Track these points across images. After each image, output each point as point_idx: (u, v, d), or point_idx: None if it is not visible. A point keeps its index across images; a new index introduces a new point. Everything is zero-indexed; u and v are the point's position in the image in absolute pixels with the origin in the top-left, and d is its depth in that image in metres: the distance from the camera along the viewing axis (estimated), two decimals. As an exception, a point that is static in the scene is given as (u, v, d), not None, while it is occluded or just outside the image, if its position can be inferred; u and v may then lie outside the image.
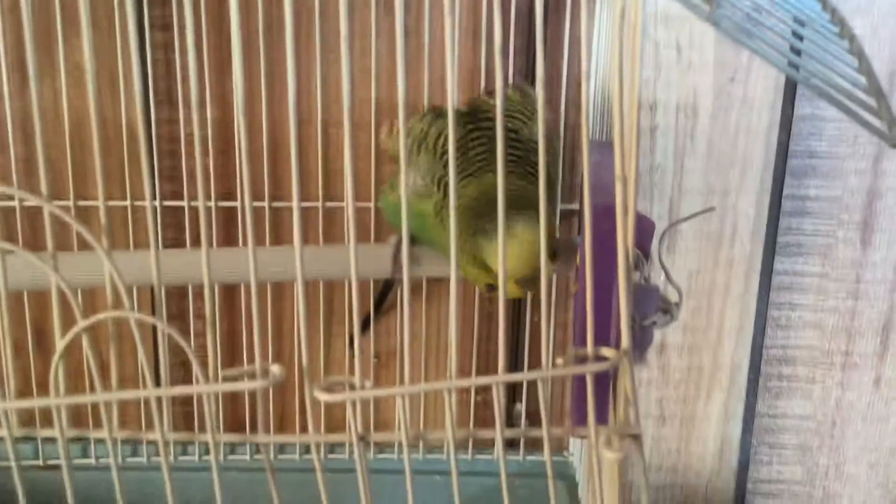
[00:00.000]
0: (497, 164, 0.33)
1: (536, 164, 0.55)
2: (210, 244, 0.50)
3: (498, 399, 0.38)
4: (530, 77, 0.72)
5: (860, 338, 0.77)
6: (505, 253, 0.35)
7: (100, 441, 0.77)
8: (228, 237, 0.75)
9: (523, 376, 0.37)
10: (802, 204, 0.74)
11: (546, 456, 0.38)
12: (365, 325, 0.75)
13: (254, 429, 0.78)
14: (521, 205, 0.49)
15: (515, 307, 0.78)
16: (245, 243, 0.72)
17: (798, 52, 0.33)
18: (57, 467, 0.37)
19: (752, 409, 0.79)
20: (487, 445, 0.80)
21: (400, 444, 0.80)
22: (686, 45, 0.70)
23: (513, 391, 0.80)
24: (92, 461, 0.77)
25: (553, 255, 0.54)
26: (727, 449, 0.81)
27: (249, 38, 0.70)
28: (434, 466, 0.79)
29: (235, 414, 0.79)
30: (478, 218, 0.52)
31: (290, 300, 0.76)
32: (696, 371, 0.78)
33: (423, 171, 0.58)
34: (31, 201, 0.44)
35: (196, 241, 0.72)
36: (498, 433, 0.38)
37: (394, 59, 0.71)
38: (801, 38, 0.35)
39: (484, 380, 0.38)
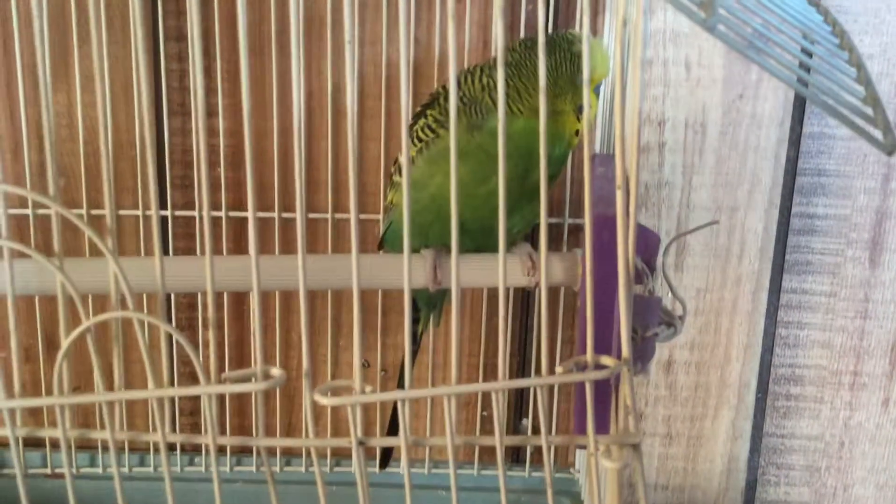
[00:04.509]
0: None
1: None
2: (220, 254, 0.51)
3: (497, 405, 0.38)
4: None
5: (869, 358, 0.77)
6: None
7: (106, 450, 0.77)
8: (239, 249, 0.75)
9: (522, 383, 0.37)
10: (811, 222, 0.74)
11: (545, 463, 0.38)
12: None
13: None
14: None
15: (523, 322, 0.78)
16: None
17: (807, 69, 0.33)
18: (64, 476, 0.38)
19: (760, 428, 0.79)
20: (494, 461, 0.80)
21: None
22: (695, 63, 0.70)
23: (520, 407, 0.80)
24: (99, 470, 0.78)
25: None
26: (734, 468, 0.80)
27: (262, 46, 0.71)
28: (439, 482, 0.79)
29: (242, 424, 0.79)
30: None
31: (299, 313, 0.76)
32: (703, 389, 0.78)
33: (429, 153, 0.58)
34: (42, 203, 0.44)
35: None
36: (498, 441, 0.38)
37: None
38: (810, 54, 0.35)
39: (485, 386, 0.39)
